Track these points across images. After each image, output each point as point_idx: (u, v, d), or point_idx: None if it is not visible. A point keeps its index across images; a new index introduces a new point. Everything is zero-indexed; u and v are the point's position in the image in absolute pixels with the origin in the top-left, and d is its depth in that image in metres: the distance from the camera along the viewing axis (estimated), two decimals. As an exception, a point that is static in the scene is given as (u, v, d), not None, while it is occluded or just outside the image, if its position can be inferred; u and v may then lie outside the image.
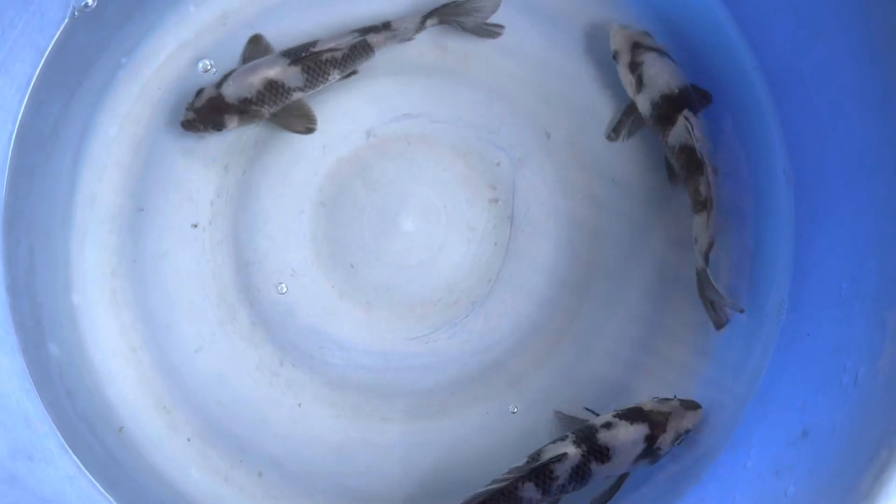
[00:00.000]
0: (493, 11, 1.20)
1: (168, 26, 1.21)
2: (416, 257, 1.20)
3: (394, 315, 1.20)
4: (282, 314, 1.19)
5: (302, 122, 1.19)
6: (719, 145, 1.18)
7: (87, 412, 1.16)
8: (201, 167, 1.20)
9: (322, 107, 1.21)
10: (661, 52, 1.16)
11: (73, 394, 1.16)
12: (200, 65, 1.21)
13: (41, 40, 1.16)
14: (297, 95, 1.17)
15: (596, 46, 1.22)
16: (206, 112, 1.16)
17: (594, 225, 1.20)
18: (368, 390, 1.18)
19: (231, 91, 1.15)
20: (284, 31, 1.21)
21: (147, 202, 1.20)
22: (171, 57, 1.21)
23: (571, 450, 1.05)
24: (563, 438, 1.07)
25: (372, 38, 1.17)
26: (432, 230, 1.20)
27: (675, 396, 1.11)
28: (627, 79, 1.17)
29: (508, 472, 1.05)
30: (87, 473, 1.13)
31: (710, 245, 1.12)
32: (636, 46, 1.16)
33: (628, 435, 1.06)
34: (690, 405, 1.10)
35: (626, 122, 1.19)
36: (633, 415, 1.08)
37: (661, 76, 1.14)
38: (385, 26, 1.17)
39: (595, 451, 1.05)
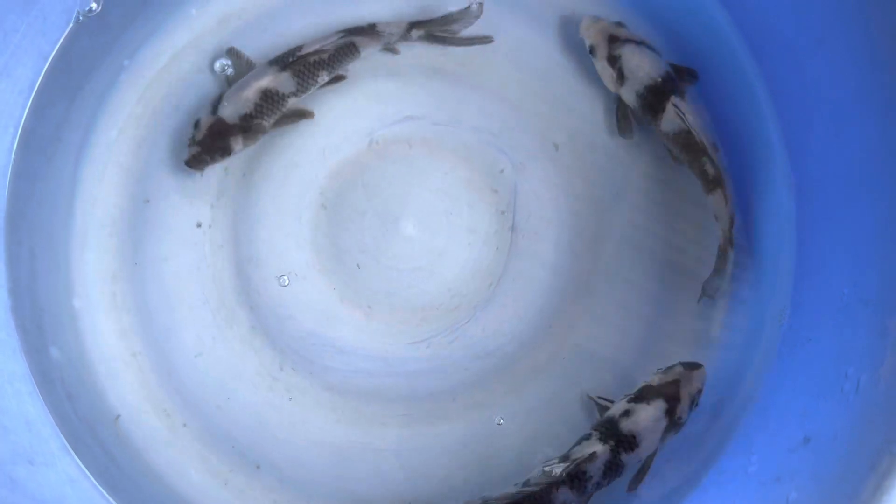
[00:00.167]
0: (477, 17, 1.19)
1: (170, 29, 1.21)
2: (417, 261, 1.20)
3: (394, 319, 1.19)
4: (282, 318, 1.19)
5: (297, 115, 1.19)
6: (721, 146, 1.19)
7: (88, 415, 1.16)
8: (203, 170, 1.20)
9: (323, 109, 1.21)
10: (637, 43, 1.16)
11: (74, 397, 1.16)
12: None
13: (44, 45, 1.17)
14: (291, 101, 1.17)
15: (598, 51, 1.22)
16: (209, 141, 1.14)
17: (596, 229, 1.20)
18: (368, 395, 1.18)
19: (229, 111, 1.14)
20: (285, 33, 1.21)
21: (148, 205, 1.20)
22: (173, 60, 1.21)
23: (599, 447, 1.06)
24: (587, 437, 1.08)
25: (357, 39, 1.17)
26: (433, 234, 1.20)
27: (676, 363, 1.11)
28: (607, 73, 1.17)
29: (541, 477, 1.05)
30: (89, 476, 1.13)
31: (732, 221, 1.12)
32: (612, 39, 1.15)
33: (649, 416, 1.07)
34: (693, 366, 1.11)
35: (625, 115, 1.18)
36: (647, 394, 1.08)
37: (642, 67, 1.14)
38: (370, 27, 1.18)
39: (622, 442, 1.06)
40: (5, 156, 1.16)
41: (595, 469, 1.05)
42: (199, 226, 1.20)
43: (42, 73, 1.17)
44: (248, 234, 1.20)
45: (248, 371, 1.18)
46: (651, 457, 1.10)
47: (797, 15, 1.08)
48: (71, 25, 1.18)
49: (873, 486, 0.86)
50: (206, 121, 1.15)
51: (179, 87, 1.21)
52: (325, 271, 1.20)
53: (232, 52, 1.19)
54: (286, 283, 1.19)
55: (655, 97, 1.14)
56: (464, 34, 1.20)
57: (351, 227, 1.20)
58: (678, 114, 1.12)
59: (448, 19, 1.19)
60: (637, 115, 1.17)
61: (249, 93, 1.14)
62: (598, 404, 1.14)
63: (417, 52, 1.22)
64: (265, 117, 1.16)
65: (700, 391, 1.09)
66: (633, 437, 1.06)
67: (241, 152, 1.20)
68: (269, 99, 1.15)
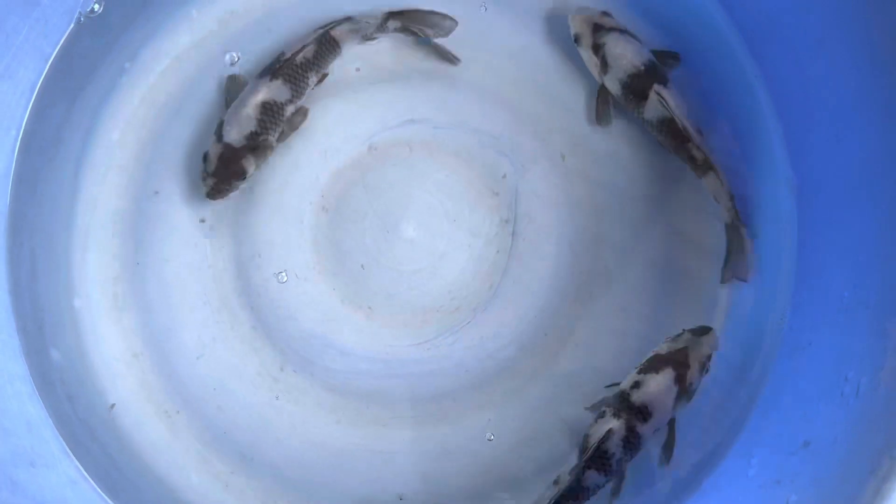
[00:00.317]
0: (450, 32, 1.19)
1: (171, 31, 1.22)
2: (418, 263, 1.20)
3: (395, 321, 1.19)
4: (283, 319, 1.19)
5: (297, 118, 1.19)
6: (719, 147, 1.19)
7: (89, 417, 1.16)
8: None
9: (325, 112, 1.21)
10: (621, 31, 1.17)
11: (74, 398, 1.16)
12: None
13: (46, 46, 1.17)
14: (290, 109, 1.17)
15: (599, 54, 1.22)
16: (223, 169, 1.14)
17: (596, 232, 1.20)
18: (369, 396, 1.18)
19: (234, 134, 1.14)
20: (286, 34, 1.21)
21: (149, 207, 1.20)
22: (174, 61, 1.21)
23: (614, 423, 1.06)
24: (601, 415, 1.08)
25: (335, 33, 1.17)
26: (434, 236, 1.20)
27: (683, 330, 1.12)
28: (592, 61, 1.18)
29: (570, 472, 1.06)
30: (89, 478, 1.13)
31: (732, 198, 1.12)
32: (597, 28, 1.17)
33: (659, 385, 1.07)
34: (702, 331, 1.11)
35: (605, 103, 1.19)
36: (655, 364, 1.08)
37: (625, 56, 1.15)
38: (347, 19, 1.17)
39: (635, 414, 1.06)
40: (7, 157, 1.16)
41: (614, 445, 1.05)
42: (202, 221, 1.20)
43: (43, 75, 1.17)
44: (250, 236, 1.20)
45: (249, 372, 1.18)
46: (672, 426, 1.10)
47: (797, 16, 1.08)
48: (72, 26, 1.18)
49: (873, 490, 0.86)
50: (214, 150, 1.14)
51: (181, 89, 1.21)
52: (326, 273, 1.20)
53: (232, 79, 1.19)
54: (284, 280, 1.19)
55: (638, 85, 1.14)
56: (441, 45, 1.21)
57: (352, 229, 1.20)
58: (661, 101, 1.12)
59: (426, 19, 1.19)
60: (621, 103, 1.18)
61: (249, 110, 1.14)
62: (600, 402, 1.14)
63: (419, 56, 1.22)
64: (270, 132, 1.15)
65: (710, 356, 1.10)
66: (645, 407, 1.06)
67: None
68: (269, 111, 1.15)
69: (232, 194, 1.16)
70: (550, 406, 1.17)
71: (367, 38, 1.19)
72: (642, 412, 1.06)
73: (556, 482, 1.07)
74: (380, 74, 1.22)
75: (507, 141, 1.21)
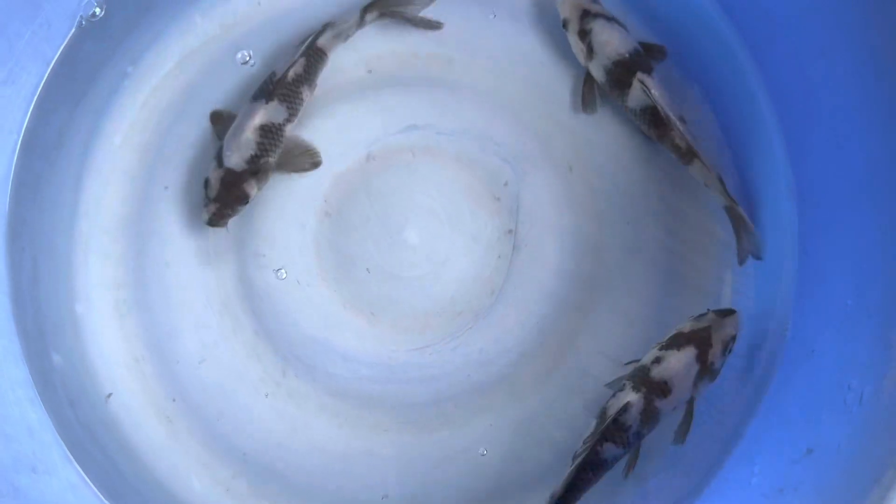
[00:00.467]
0: (429, 4, 1.19)
1: (174, 35, 1.21)
2: (420, 269, 1.20)
3: (397, 326, 1.19)
4: (285, 324, 1.19)
5: (306, 158, 1.18)
6: (722, 153, 1.19)
7: (90, 422, 1.16)
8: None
9: (328, 118, 1.21)
10: (608, 18, 1.17)
11: (75, 403, 1.15)
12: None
13: (48, 50, 1.16)
14: (288, 129, 1.16)
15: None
16: (225, 194, 1.13)
17: (598, 237, 1.20)
18: (371, 401, 1.18)
19: (235, 158, 1.13)
20: (289, 39, 1.21)
21: (151, 212, 1.20)
22: (176, 66, 1.21)
23: (633, 396, 1.06)
24: (621, 389, 1.08)
25: (321, 42, 1.16)
26: (436, 242, 1.20)
27: (708, 310, 1.12)
28: (578, 47, 1.18)
29: (584, 442, 1.06)
30: (90, 484, 1.13)
31: (722, 181, 1.13)
32: (585, 14, 1.17)
33: (680, 361, 1.07)
34: (726, 312, 1.11)
35: (590, 91, 1.19)
36: (677, 341, 1.09)
37: (611, 42, 1.15)
38: (328, 27, 1.17)
39: (655, 388, 1.06)
40: (8, 161, 1.16)
41: (632, 418, 1.06)
42: (203, 227, 1.20)
43: (44, 79, 1.17)
44: (252, 241, 1.20)
45: (251, 377, 1.18)
46: (690, 405, 1.10)
47: (799, 21, 1.08)
48: (73, 30, 1.18)
49: (877, 499, 0.86)
50: (215, 176, 1.14)
51: (183, 94, 1.21)
52: (329, 278, 1.20)
53: (215, 115, 1.18)
54: (283, 276, 1.18)
55: (622, 72, 1.15)
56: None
57: (354, 235, 1.20)
58: (644, 89, 1.13)
59: (398, 1, 1.19)
60: (605, 90, 1.18)
61: (248, 134, 1.13)
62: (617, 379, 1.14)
63: (422, 63, 1.22)
64: (270, 154, 1.15)
65: (734, 338, 1.10)
66: (665, 383, 1.06)
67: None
68: (269, 133, 1.14)
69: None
70: (552, 410, 1.17)
71: (349, 36, 1.19)
72: (662, 388, 1.06)
73: (574, 457, 1.07)
74: (382, 80, 1.22)
75: (508, 147, 1.21)
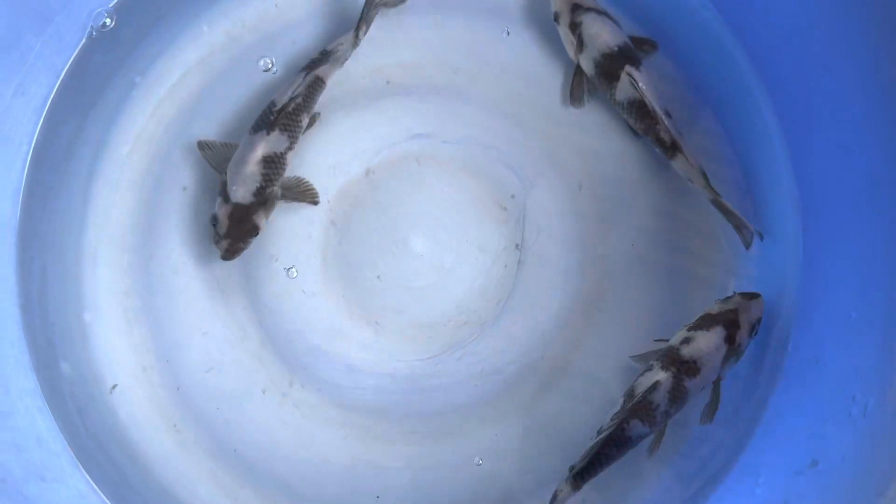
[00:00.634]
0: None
1: (182, 46, 1.22)
2: (426, 278, 1.21)
3: (402, 336, 1.20)
4: (291, 334, 1.19)
5: (307, 195, 1.18)
6: (731, 167, 1.20)
7: (98, 430, 1.16)
8: (212, 186, 1.21)
9: (334, 126, 1.22)
10: (599, 12, 1.18)
11: (84, 412, 1.16)
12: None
13: (58, 62, 1.17)
14: (289, 156, 1.16)
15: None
16: (235, 229, 1.13)
17: (603, 247, 1.21)
18: (376, 411, 1.18)
19: (241, 192, 1.13)
20: (296, 49, 1.22)
21: (159, 221, 1.20)
22: (184, 76, 1.22)
23: (662, 375, 1.07)
24: (649, 368, 1.09)
25: (319, 71, 1.16)
26: (442, 251, 1.21)
27: (734, 293, 1.13)
28: (569, 40, 1.19)
29: (612, 419, 1.07)
30: (99, 492, 1.13)
31: (705, 175, 1.14)
32: (575, 7, 1.18)
33: (709, 342, 1.08)
34: (752, 296, 1.12)
35: (579, 85, 1.20)
36: (706, 322, 1.10)
37: (601, 35, 1.16)
38: (324, 55, 1.17)
39: (684, 368, 1.07)
40: (19, 172, 1.16)
41: (660, 397, 1.07)
42: (210, 236, 1.20)
43: (55, 90, 1.18)
44: (259, 251, 1.20)
45: (258, 387, 1.18)
46: (717, 386, 1.11)
47: (804, 38, 1.09)
48: (84, 41, 1.18)
49: (882, 512, 0.87)
50: (223, 211, 1.13)
51: (191, 104, 1.22)
52: (334, 288, 1.20)
53: (203, 145, 1.17)
54: (294, 276, 1.19)
55: (611, 65, 1.16)
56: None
57: (360, 244, 1.21)
58: (632, 82, 1.14)
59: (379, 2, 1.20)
60: (594, 83, 1.19)
61: (251, 167, 1.13)
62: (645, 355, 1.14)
63: (428, 72, 1.23)
64: (274, 184, 1.14)
65: (759, 319, 1.11)
66: (694, 362, 1.08)
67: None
68: (272, 163, 1.14)
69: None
70: (557, 420, 1.17)
71: (345, 60, 1.19)
72: (691, 367, 1.07)
73: (599, 432, 1.08)
74: (388, 89, 1.23)
75: (514, 155, 1.22)
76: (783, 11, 1.10)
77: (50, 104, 1.18)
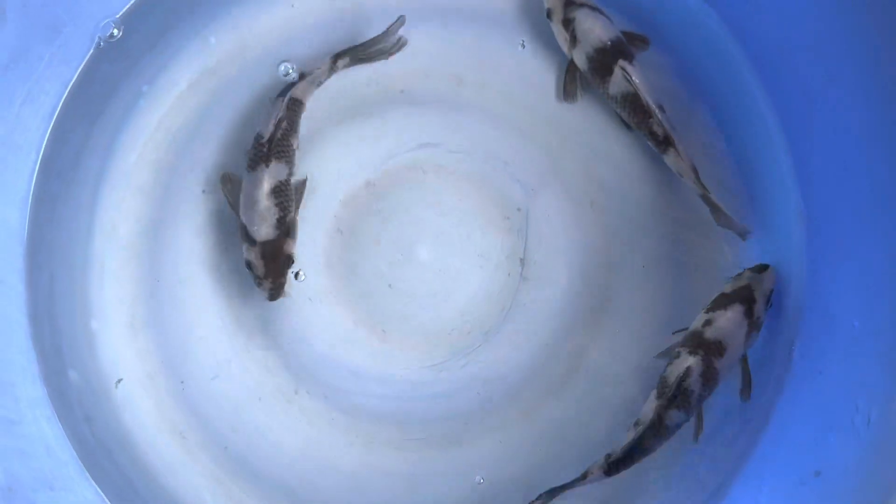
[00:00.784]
0: (396, 49, 1.21)
1: (189, 55, 1.23)
2: (431, 286, 1.21)
3: (408, 343, 1.20)
4: (297, 341, 1.20)
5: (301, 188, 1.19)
6: (736, 178, 1.21)
7: (106, 438, 1.17)
8: (219, 195, 1.21)
9: (340, 135, 1.22)
10: (591, 7, 1.19)
11: (91, 420, 1.17)
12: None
13: (66, 72, 1.18)
14: (294, 181, 1.17)
15: (611, 81, 1.23)
16: (273, 266, 1.13)
17: (606, 256, 1.21)
18: (382, 419, 1.19)
19: (264, 230, 1.13)
20: (302, 58, 1.22)
21: (165, 229, 1.21)
22: (191, 86, 1.23)
23: (691, 360, 1.08)
24: (677, 356, 1.10)
25: (297, 93, 1.17)
26: (447, 260, 1.21)
27: (744, 269, 1.14)
28: (562, 36, 1.20)
29: (647, 410, 1.08)
30: (106, 500, 1.14)
31: (695, 171, 1.15)
32: (568, 3, 1.19)
33: (730, 321, 1.10)
34: (761, 268, 1.14)
35: (572, 81, 1.21)
36: (723, 302, 1.11)
37: (593, 30, 1.17)
38: (301, 77, 1.18)
39: (711, 349, 1.08)
40: (27, 181, 1.17)
41: (694, 382, 1.08)
42: (216, 243, 1.21)
43: (62, 100, 1.18)
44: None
45: (263, 393, 1.19)
46: (745, 363, 1.12)
47: (809, 50, 1.09)
48: (92, 51, 1.19)
49: (885, 521, 0.87)
50: (254, 254, 1.13)
51: (198, 113, 1.22)
52: (340, 295, 1.21)
53: (225, 179, 1.18)
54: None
55: (604, 60, 1.17)
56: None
57: (366, 252, 1.21)
58: (625, 76, 1.15)
59: (371, 43, 1.20)
60: (587, 78, 1.20)
61: (264, 202, 1.13)
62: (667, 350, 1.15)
63: (434, 83, 1.23)
64: (290, 208, 1.15)
65: (772, 290, 1.13)
66: (720, 342, 1.09)
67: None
68: (282, 192, 1.14)
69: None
70: (562, 428, 1.18)
71: (321, 83, 1.20)
72: (717, 348, 1.08)
73: (636, 424, 1.08)
74: (393, 99, 1.23)
75: (519, 166, 1.22)
76: (788, 24, 1.11)
77: (58, 113, 1.18)
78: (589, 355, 1.20)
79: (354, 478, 1.18)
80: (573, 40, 1.19)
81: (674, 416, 1.07)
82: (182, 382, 1.19)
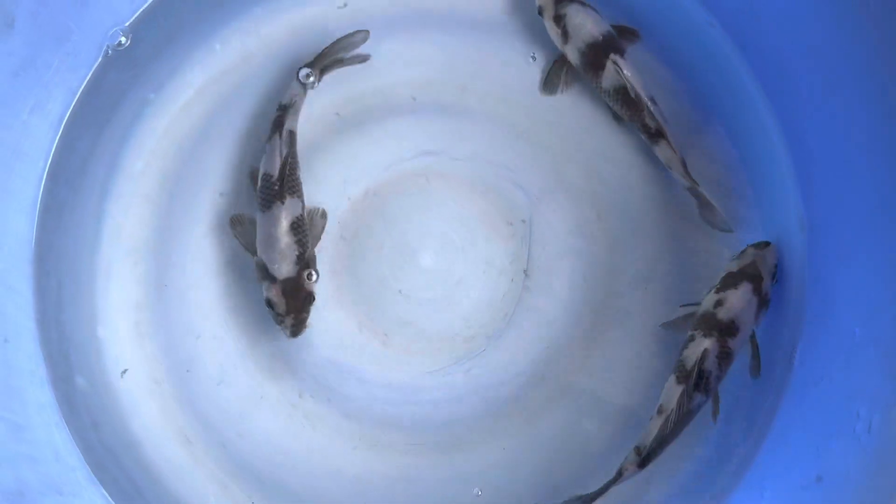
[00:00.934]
0: (362, 43, 1.22)
1: (196, 63, 1.23)
2: (434, 292, 1.22)
3: (411, 349, 1.21)
4: (301, 346, 1.20)
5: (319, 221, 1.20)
6: (742, 186, 1.22)
7: (113, 444, 1.17)
8: (225, 202, 1.22)
9: (344, 143, 1.23)
10: (581, 3, 1.21)
11: (98, 426, 1.17)
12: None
13: (74, 80, 1.19)
14: (306, 213, 1.17)
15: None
16: (294, 302, 1.14)
17: (609, 262, 1.22)
18: (386, 423, 1.19)
19: (285, 268, 1.13)
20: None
21: (171, 236, 1.22)
22: (197, 94, 1.23)
23: (707, 342, 1.09)
24: (691, 339, 1.11)
25: (286, 123, 1.17)
26: (450, 266, 1.22)
27: (746, 246, 1.15)
28: (554, 31, 1.22)
29: (668, 397, 1.08)
30: (114, 506, 1.15)
31: (684, 164, 1.17)
32: (558, 0, 1.21)
33: (740, 299, 1.10)
34: (763, 245, 1.15)
35: (557, 74, 1.23)
36: (731, 280, 1.12)
37: (585, 25, 1.20)
38: (283, 109, 1.18)
39: (725, 329, 1.09)
40: (35, 188, 1.18)
41: (712, 364, 1.08)
42: (221, 250, 1.21)
43: (71, 108, 1.19)
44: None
45: (268, 399, 1.19)
46: (753, 339, 1.13)
47: (811, 59, 1.10)
48: (100, 60, 1.20)
49: (886, 529, 0.88)
50: (274, 292, 1.13)
51: (204, 121, 1.23)
52: (344, 301, 1.21)
53: (235, 221, 1.18)
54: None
55: (596, 54, 1.19)
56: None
57: (369, 258, 1.22)
58: (617, 70, 1.17)
59: (335, 51, 1.21)
60: (580, 72, 1.22)
61: (284, 240, 1.13)
62: (677, 325, 1.17)
63: (436, 90, 1.24)
64: (308, 244, 1.16)
65: (776, 265, 1.14)
66: (733, 322, 1.09)
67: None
68: (299, 228, 1.15)
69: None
70: (564, 433, 1.18)
71: (301, 107, 1.20)
72: (731, 328, 1.09)
73: (659, 412, 1.09)
74: (398, 108, 1.24)
75: (522, 172, 1.23)
76: (788, 31, 1.12)
77: (66, 121, 1.19)
78: (592, 360, 1.20)
79: (358, 482, 1.18)
80: (565, 35, 1.21)
81: (697, 399, 1.08)
82: (188, 388, 1.19)
